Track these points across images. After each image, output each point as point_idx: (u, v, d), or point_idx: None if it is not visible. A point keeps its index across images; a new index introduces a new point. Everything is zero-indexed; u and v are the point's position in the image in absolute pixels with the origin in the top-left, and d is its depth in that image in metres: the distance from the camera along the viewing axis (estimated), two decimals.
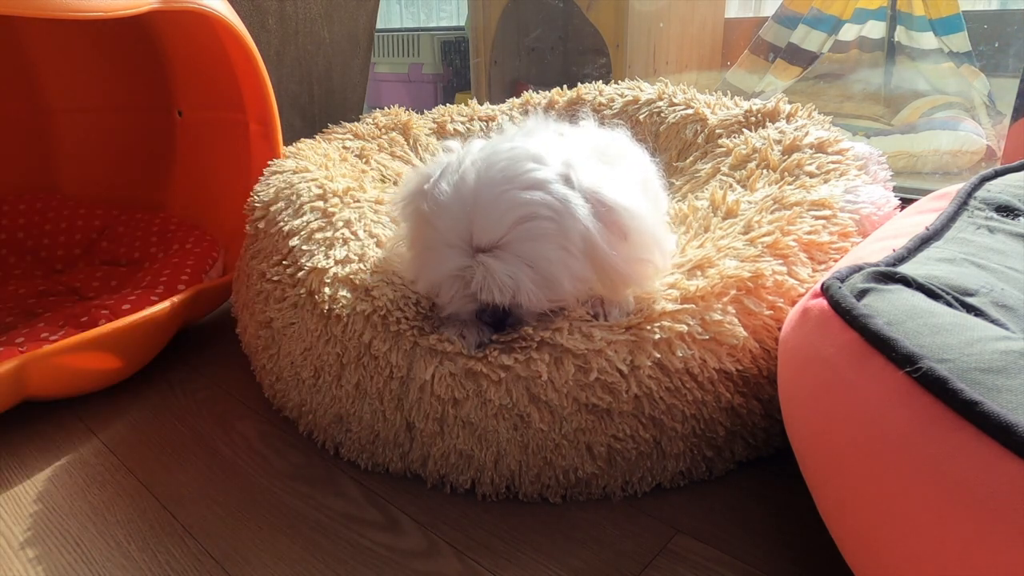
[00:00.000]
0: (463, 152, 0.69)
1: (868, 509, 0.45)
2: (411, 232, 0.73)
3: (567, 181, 0.64)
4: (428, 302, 0.72)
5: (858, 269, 0.53)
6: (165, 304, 0.95)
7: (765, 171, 0.90)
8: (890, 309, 0.48)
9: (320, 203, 0.88)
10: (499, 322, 0.68)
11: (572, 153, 0.68)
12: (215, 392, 0.95)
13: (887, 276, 0.52)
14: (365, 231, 0.85)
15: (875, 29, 1.74)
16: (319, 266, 0.78)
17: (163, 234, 1.27)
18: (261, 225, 0.90)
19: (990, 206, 0.66)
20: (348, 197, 0.91)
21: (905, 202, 0.82)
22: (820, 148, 0.89)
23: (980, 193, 0.68)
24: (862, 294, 0.50)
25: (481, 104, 1.32)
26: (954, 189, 0.69)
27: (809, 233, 0.74)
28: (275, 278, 0.82)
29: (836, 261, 0.73)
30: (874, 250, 0.60)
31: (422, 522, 0.69)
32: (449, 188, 0.65)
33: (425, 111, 1.31)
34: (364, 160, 1.13)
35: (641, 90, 1.20)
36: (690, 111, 1.10)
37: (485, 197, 0.63)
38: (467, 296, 0.66)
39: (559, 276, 0.63)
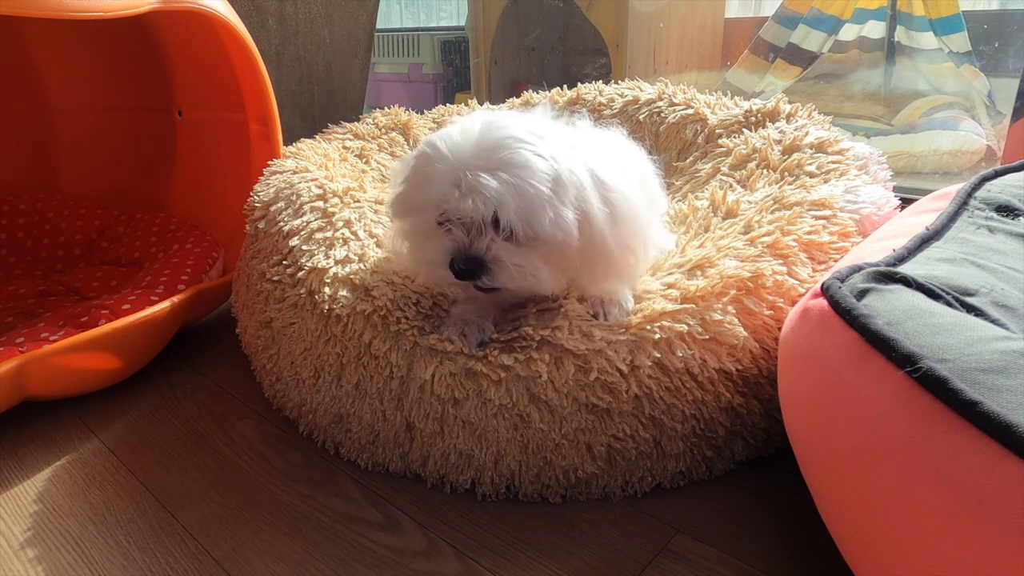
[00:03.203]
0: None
1: (868, 509, 0.45)
2: (409, 174, 0.70)
3: (572, 148, 0.66)
4: (428, 302, 0.72)
5: (858, 269, 0.53)
6: (165, 304, 0.95)
7: (765, 171, 0.90)
8: (890, 309, 0.48)
9: (320, 203, 0.88)
10: (472, 272, 0.64)
11: (580, 137, 0.70)
12: (215, 392, 0.95)
13: (887, 276, 0.52)
14: (365, 231, 0.85)
15: (875, 29, 1.74)
16: (319, 266, 0.78)
17: (163, 234, 1.27)
18: (261, 225, 0.90)
19: (990, 206, 0.66)
20: (348, 197, 0.91)
21: (905, 202, 0.82)
22: (820, 148, 0.89)
23: (980, 193, 0.68)
24: (862, 294, 0.50)
25: (481, 104, 1.32)
26: (954, 189, 0.69)
27: (809, 233, 0.74)
28: (275, 278, 0.82)
29: (836, 261, 0.73)
30: (874, 250, 0.60)
31: (422, 522, 0.69)
32: (455, 131, 0.66)
33: (425, 111, 1.31)
34: (364, 160, 1.13)
35: (641, 90, 1.20)
36: (690, 111, 1.10)
37: (488, 133, 0.64)
38: (446, 235, 0.65)
39: (541, 211, 0.62)
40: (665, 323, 0.66)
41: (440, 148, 0.64)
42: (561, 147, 0.65)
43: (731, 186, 0.90)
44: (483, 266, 0.64)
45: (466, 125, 0.66)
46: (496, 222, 0.62)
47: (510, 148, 0.62)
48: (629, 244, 0.67)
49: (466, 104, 1.33)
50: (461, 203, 0.62)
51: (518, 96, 1.31)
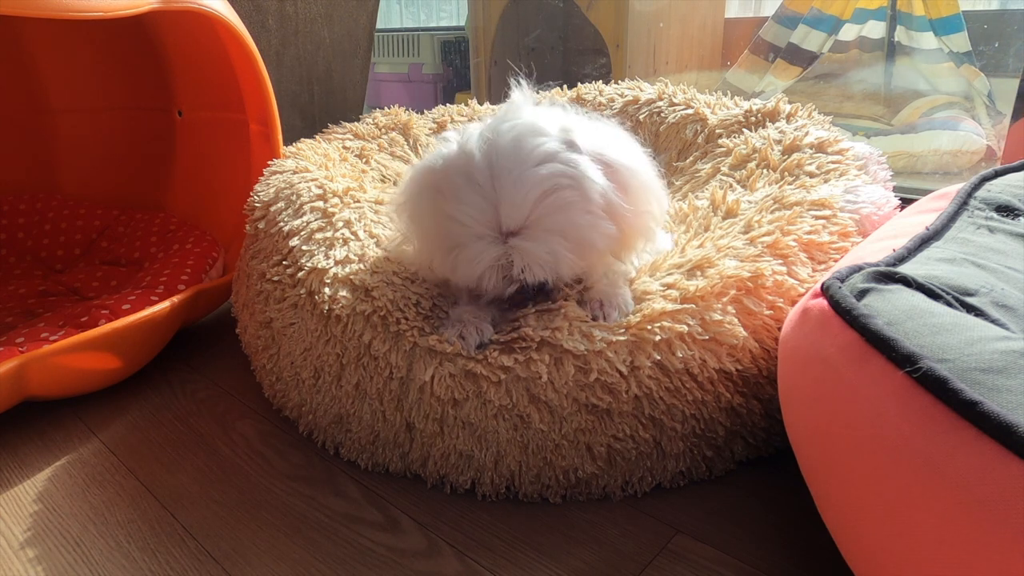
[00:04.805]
0: (463, 140, 0.69)
1: (868, 509, 0.45)
2: (430, 224, 0.71)
3: (572, 146, 0.66)
4: (428, 303, 0.72)
5: (858, 269, 0.53)
6: (165, 304, 0.95)
7: (765, 171, 0.90)
8: (890, 309, 0.48)
9: (320, 203, 0.88)
10: (538, 292, 0.69)
11: (566, 117, 0.70)
12: (215, 392, 0.95)
13: (887, 276, 0.52)
14: (365, 231, 0.85)
15: (875, 29, 1.74)
16: (319, 266, 0.78)
17: (163, 234, 1.27)
18: (261, 225, 0.90)
19: (990, 206, 0.66)
20: (348, 197, 0.91)
21: (905, 202, 0.82)
22: (820, 148, 0.89)
23: (980, 193, 0.68)
24: (862, 294, 0.50)
25: (481, 104, 1.32)
26: (954, 189, 0.69)
27: (809, 233, 0.74)
28: (275, 278, 0.82)
29: (836, 261, 0.73)
30: (874, 250, 0.60)
31: (422, 522, 0.69)
32: (463, 180, 0.65)
33: (425, 111, 1.31)
34: (364, 160, 1.13)
35: (641, 90, 1.20)
36: (690, 111, 1.10)
37: (503, 182, 0.64)
38: (507, 280, 0.67)
39: (592, 239, 0.65)
40: (665, 323, 0.66)
41: (459, 211, 0.65)
42: (562, 140, 0.66)
43: (731, 186, 0.90)
44: (546, 284, 0.68)
45: (469, 161, 0.65)
46: None
47: (536, 187, 0.63)
48: (644, 209, 0.69)
49: (466, 104, 1.33)
50: (523, 277, 0.65)
51: None
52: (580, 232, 0.65)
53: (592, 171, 0.65)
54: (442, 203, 0.67)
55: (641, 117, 1.15)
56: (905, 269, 0.53)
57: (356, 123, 1.23)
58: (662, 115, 1.13)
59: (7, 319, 1.04)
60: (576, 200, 0.64)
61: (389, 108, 1.28)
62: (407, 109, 1.28)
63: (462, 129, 0.71)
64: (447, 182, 0.67)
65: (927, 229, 0.61)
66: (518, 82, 0.76)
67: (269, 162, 1.03)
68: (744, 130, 1.02)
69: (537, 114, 0.69)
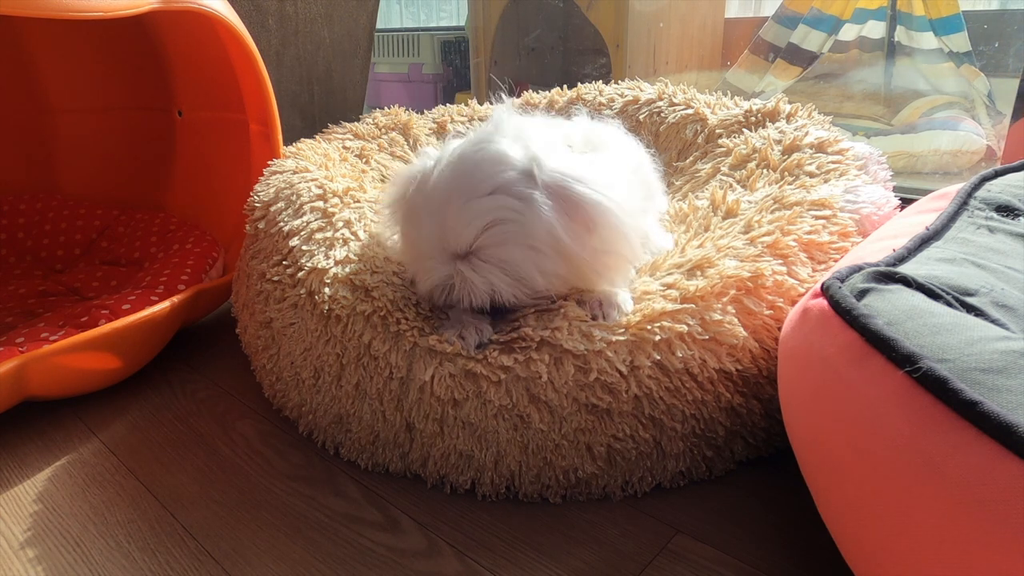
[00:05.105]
0: (439, 157, 0.71)
1: (867, 509, 0.45)
2: (403, 236, 0.77)
3: (530, 179, 0.66)
4: (428, 303, 0.72)
5: (858, 269, 0.53)
6: (165, 304, 0.95)
7: (765, 171, 0.90)
8: (890, 309, 0.48)
9: (320, 203, 0.88)
10: (492, 312, 0.70)
11: (541, 142, 0.69)
12: (215, 392, 0.95)
13: (887, 276, 0.52)
14: (365, 231, 0.85)
15: (875, 29, 1.74)
16: (319, 266, 0.78)
17: (163, 234, 1.27)
18: (261, 225, 0.90)
19: (990, 206, 0.66)
20: (348, 197, 0.91)
21: (905, 202, 0.82)
22: (820, 148, 0.89)
23: (980, 193, 0.68)
24: (862, 294, 0.50)
25: (481, 104, 1.32)
26: (954, 189, 0.69)
27: (809, 233, 0.74)
28: (275, 278, 0.82)
29: (836, 261, 0.73)
30: (874, 250, 0.60)
31: (422, 522, 0.69)
32: (423, 200, 0.69)
33: (425, 111, 1.31)
34: (364, 160, 1.13)
35: (641, 90, 1.20)
36: (690, 111, 1.10)
37: (452, 208, 0.66)
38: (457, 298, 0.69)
39: (530, 274, 0.66)
40: (665, 323, 0.66)
41: (417, 229, 0.69)
42: (521, 171, 0.66)
43: (731, 186, 0.90)
44: (499, 307, 0.69)
45: (432, 183, 0.68)
46: None
47: (481, 217, 0.65)
48: (610, 249, 0.68)
49: (466, 104, 1.33)
50: (462, 302, 0.68)
51: (518, 96, 1.31)
52: (518, 266, 0.66)
53: (541, 208, 0.65)
54: (406, 218, 0.72)
55: (641, 117, 1.15)
56: (905, 269, 0.53)
57: (356, 123, 1.23)
58: (662, 115, 1.13)
59: (7, 319, 1.04)
60: (517, 234, 0.65)
61: (389, 108, 1.28)
62: (407, 109, 1.28)
63: (446, 141, 0.74)
64: (411, 200, 0.71)
65: (927, 229, 0.61)
66: (500, 98, 0.77)
67: (269, 162, 1.03)
68: (744, 130, 1.02)
69: (515, 137, 0.69)
